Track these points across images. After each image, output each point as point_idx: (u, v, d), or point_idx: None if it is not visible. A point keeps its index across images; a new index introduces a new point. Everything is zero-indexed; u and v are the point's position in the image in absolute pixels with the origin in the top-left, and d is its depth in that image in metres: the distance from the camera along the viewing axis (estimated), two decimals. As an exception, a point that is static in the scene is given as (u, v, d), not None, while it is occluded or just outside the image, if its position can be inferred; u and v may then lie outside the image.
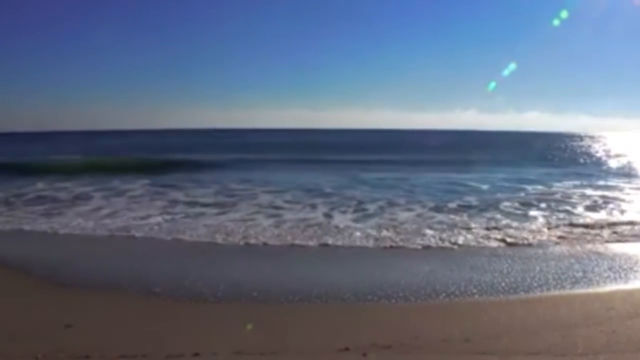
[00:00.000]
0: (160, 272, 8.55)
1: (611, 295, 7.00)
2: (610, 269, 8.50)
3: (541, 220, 12.89)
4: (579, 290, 7.43)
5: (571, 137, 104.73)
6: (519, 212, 14.05)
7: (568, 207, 14.73)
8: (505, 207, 14.66)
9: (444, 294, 7.17)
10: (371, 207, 14.47)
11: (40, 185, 19.30)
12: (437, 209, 14.22)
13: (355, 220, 12.79)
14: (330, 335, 5.43)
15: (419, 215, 13.42)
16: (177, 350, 4.91)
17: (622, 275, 8.18)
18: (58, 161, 26.04)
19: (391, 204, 15.10)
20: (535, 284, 7.63)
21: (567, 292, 7.36)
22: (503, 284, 7.58)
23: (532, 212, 13.94)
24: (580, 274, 8.20)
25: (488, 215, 13.49)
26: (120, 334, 5.50)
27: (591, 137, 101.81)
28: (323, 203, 15.24)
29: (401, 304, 6.83)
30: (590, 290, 7.44)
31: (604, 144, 70.46)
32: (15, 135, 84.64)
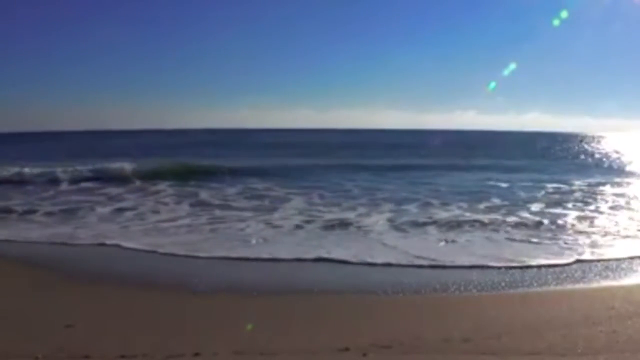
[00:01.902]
0: (163, 272, 8.57)
1: (611, 295, 6.99)
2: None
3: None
4: (579, 290, 7.44)
5: (575, 137, 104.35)
6: (550, 211, 14.05)
7: (596, 207, 14.87)
8: (536, 207, 14.65)
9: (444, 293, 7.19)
10: (410, 207, 14.49)
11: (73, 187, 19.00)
12: (472, 209, 14.23)
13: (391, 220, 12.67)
14: (330, 335, 5.43)
15: (456, 216, 13.30)
16: (177, 350, 4.91)
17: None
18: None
19: (426, 204, 15.10)
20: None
21: (567, 291, 7.37)
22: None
23: (563, 211, 13.99)
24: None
25: (523, 215, 13.43)
26: (120, 334, 5.50)
27: (595, 138, 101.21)
28: (359, 205, 15.06)
29: (402, 303, 6.86)
30: (590, 290, 7.45)
31: (610, 144, 70.03)
32: (26, 135, 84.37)
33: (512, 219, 12.88)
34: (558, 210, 14.17)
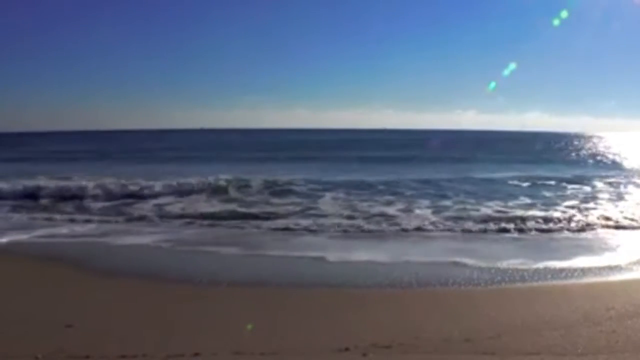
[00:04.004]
0: (164, 271, 8.56)
1: (611, 295, 6.99)
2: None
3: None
4: (579, 290, 7.43)
5: (578, 137, 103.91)
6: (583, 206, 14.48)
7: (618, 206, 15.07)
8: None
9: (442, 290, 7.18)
10: (448, 202, 15.06)
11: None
12: (506, 206, 14.52)
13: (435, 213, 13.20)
14: (330, 335, 5.43)
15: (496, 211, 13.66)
16: (177, 350, 4.92)
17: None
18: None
19: (462, 202, 15.33)
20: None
21: (567, 291, 7.37)
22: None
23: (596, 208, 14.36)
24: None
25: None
26: (120, 334, 5.50)
27: (598, 137, 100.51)
28: (394, 201, 15.50)
29: (401, 302, 6.86)
30: (591, 289, 7.44)
31: (616, 144, 69.39)
32: (26, 135, 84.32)
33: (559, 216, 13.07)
34: (593, 206, 14.59)
